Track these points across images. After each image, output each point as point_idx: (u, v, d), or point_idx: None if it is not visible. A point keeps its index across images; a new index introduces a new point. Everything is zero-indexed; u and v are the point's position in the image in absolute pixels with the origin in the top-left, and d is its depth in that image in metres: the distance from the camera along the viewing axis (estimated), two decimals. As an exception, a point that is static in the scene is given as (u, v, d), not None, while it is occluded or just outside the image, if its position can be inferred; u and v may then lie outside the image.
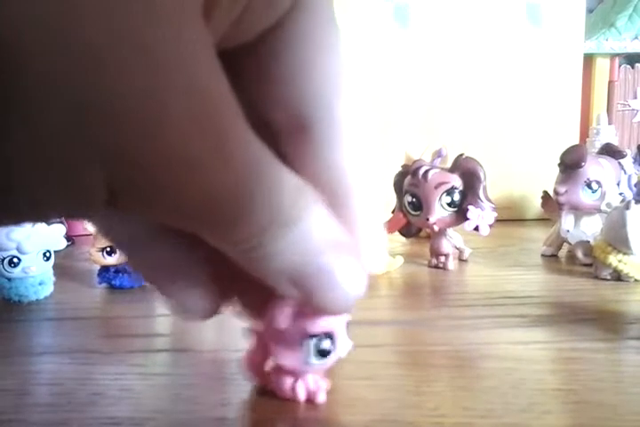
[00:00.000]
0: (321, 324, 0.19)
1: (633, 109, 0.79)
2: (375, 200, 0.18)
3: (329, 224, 0.16)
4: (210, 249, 0.15)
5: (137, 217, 0.16)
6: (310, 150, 0.16)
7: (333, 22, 0.16)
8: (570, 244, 0.44)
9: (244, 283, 0.16)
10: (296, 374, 0.21)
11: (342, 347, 0.21)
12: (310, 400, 0.21)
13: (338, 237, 0.16)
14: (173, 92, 0.11)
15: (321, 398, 0.21)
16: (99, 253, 0.37)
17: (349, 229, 0.17)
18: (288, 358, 0.20)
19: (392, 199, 0.46)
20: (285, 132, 0.16)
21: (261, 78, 0.16)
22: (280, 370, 0.21)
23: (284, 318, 0.19)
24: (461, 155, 0.42)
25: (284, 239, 0.15)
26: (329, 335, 0.20)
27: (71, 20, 0.10)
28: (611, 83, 0.78)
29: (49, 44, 0.10)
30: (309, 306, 0.17)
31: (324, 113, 0.16)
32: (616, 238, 0.37)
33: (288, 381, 0.21)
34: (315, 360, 0.20)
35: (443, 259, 0.42)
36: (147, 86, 0.11)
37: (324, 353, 0.20)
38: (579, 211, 0.45)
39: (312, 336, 0.19)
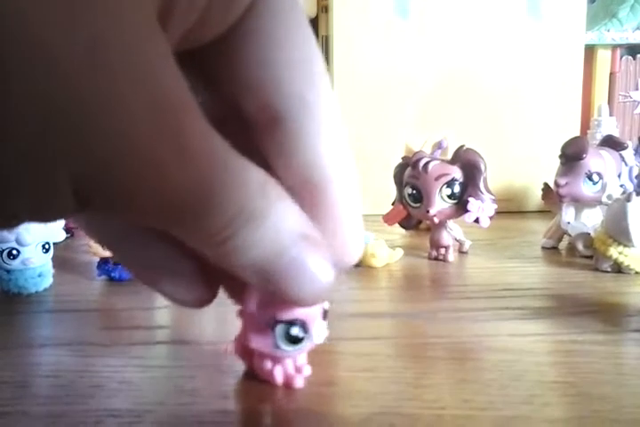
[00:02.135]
0: (291, 311, 0.20)
1: (634, 101, 0.79)
2: (358, 191, 0.18)
3: (297, 217, 0.16)
4: None
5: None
6: (285, 143, 0.16)
7: (298, 11, 0.16)
8: (570, 236, 0.44)
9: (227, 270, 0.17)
10: (274, 359, 0.21)
11: (317, 334, 0.21)
12: (287, 385, 0.21)
13: (306, 230, 0.16)
14: (133, 97, 0.11)
15: (298, 383, 0.21)
16: (98, 245, 0.36)
17: (329, 223, 0.17)
18: (259, 343, 0.20)
19: (392, 191, 0.46)
20: (260, 125, 0.16)
21: (231, 72, 0.16)
22: (261, 354, 0.21)
23: (252, 302, 0.19)
24: (462, 146, 0.42)
25: (252, 234, 0.15)
26: (298, 322, 0.20)
27: (35, 34, 0.10)
28: (612, 74, 0.78)
29: (20, 59, 0.10)
30: (279, 297, 0.17)
31: (296, 103, 0.16)
32: (617, 230, 0.37)
33: (268, 364, 0.21)
34: (285, 346, 0.20)
35: (443, 251, 0.42)
36: (107, 93, 0.11)
37: (294, 340, 0.20)
38: (579, 203, 0.44)
39: (281, 322, 0.20)
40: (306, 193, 0.17)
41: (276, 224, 0.15)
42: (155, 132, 0.12)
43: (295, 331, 0.20)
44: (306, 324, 0.20)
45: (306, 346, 0.21)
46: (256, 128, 0.16)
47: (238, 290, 0.20)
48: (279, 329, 0.20)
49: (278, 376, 0.21)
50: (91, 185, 0.12)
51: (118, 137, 0.11)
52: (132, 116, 0.11)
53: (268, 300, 0.19)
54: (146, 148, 0.12)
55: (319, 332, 0.21)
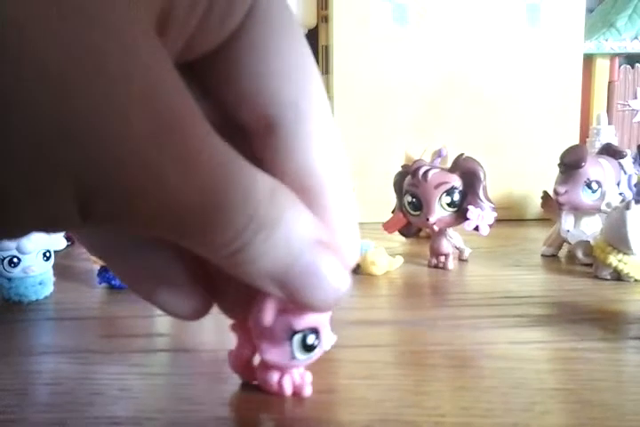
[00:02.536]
0: (306, 319, 0.20)
1: (633, 109, 0.79)
2: (353, 197, 0.18)
3: (309, 223, 0.16)
4: (191, 251, 0.15)
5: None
6: (280, 150, 0.16)
7: (292, 22, 0.16)
8: (570, 244, 0.44)
9: (229, 281, 0.17)
10: (282, 370, 0.21)
11: (327, 341, 0.21)
12: (297, 394, 0.21)
13: (319, 236, 0.16)
14: (131, 105, 0.11)
15: (307, 391, 0.21)
16: (99, 253, 0.36)
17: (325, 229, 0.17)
18: (274, 354, 0.20)
19: (392, 199, 0.46)
20: (256, 133, 0.16)
21: (227, 82, 0.16)
22: (266, 366, 0.21)
23: (268, 314, 0.19)
24: (461, 155, 0.42)
25: (265, 242, 0.15)
26: (313, 330, 0.20)
27: (27, 42, 0.10)
28: (611, 83, 0.78)
29: (15, 71, 0.10)
30: (295, 304, 0.17)
31: (289, 111, 0.16)
32: (616, 238, 0.37)
33: (275, 376, 0.21)
34: (300, 355, 0.20)
35: (443, 259, 0.42)
36: (105, 102, 0.11)
37: (309, 348, 0.20)
38: (579, 211, 0.45)
39: (297, 332, 0.20)
40: (301, 200, 0.17)
41: (287, 232, 0.15)
42: (154, 137, 0.12)
43: (311, 339, 0.20)
44: (318, 331, 0.20)
45: (317, 354, 0.21)
46: (252, 137, 0.17)
47: (242, 302, 0.20)
48: (296, 339, 0.20)
49: (287, 387, 0.21)
50: (92, 192, 0.12)
51: (117, 143, 0.11)
52: (130, 121, 0.11)
53: (283, 310, 0.19)
54: (146, 154, 0.12)
55: (328, 338, 0.21)
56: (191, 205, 0.13)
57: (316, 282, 0.16)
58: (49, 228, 0.13)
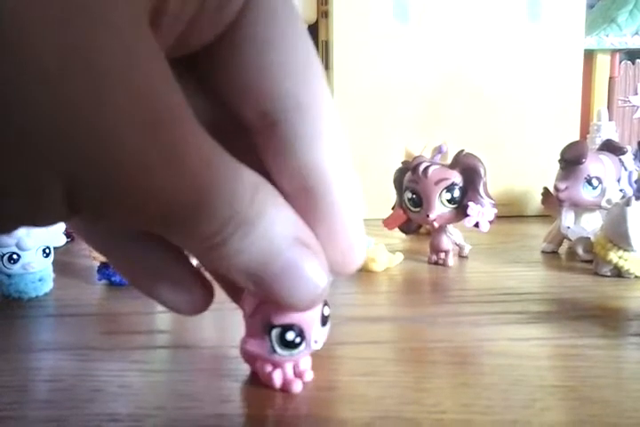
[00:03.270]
0: (286, 315, 0.20)
1: (633, 106, 0.79)
2: (358, 196, 0.18)
3: (291, 221, 0.16)
4: None
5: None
6: (281, 147, 0.16)
7: (292, 15, 0.15)
8: (570, 240, 0.44)
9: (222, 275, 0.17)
10: (274, 363, 0.21)
11: (315, 340, 0.21)
12: (285, 389, 0.21)
13: (300, 234, 0.16)
14: (122, 100, 0.11)
15: (296, 388, 0.21)
16: (98, 250, 0.36)
17: (329, 229, 0.17)
18: (254, 345, 0.21)
19: (392, 196, 0.46)
20: (256, 130, 0.16)
21: (227, 77, 0.16)
22: (261, 357, 0.21)
23: (248, 306, 0.19)
24: (461, 151, 0.42)
25: (245, 237, 0.15)
26: (294, 327, 0.20)
27: (17, 35, 0.10)
28: (611, 79, 0.78)
29: (11, 67, 0.10)
30: (273, 302, 0.17)
31: (291, 106, 0.16)
32: (616, 235, 0.37)
33: (268, 368, 0.21)
34: (282, 351, 0.20)
35: (443, 255, 0.42)
36: (96, 96, 0.11)
37: (289, 344, 0.20)
38: (579, 207, 0.45)
39: (275, 326, 0.20)
40: (304, 198, 0.16)
41: (268, 229, 0.15)
42: (144, 132, 0.12)
43: (290, 336, 0.20)
44: (302, 329, 0.20)
45: (303, 351, 0.21)
46: (253, 133, 0.16)
47: (238, 294, 0.20)
48: (275, 333, 0.20)
49: (277, 380, 0.21)
50: (79, 185, 0.12)
51: (116, 143, 0.11)
52: (120, 116, 0.11)
53: (263, 304, 0.19)
54: (134, 148, 0.12)
55: (317, 338, 0.21)
56: (173, 197, 0.13)
57: (295, 280, 0.16)
58: (37, 218, 0.13)
